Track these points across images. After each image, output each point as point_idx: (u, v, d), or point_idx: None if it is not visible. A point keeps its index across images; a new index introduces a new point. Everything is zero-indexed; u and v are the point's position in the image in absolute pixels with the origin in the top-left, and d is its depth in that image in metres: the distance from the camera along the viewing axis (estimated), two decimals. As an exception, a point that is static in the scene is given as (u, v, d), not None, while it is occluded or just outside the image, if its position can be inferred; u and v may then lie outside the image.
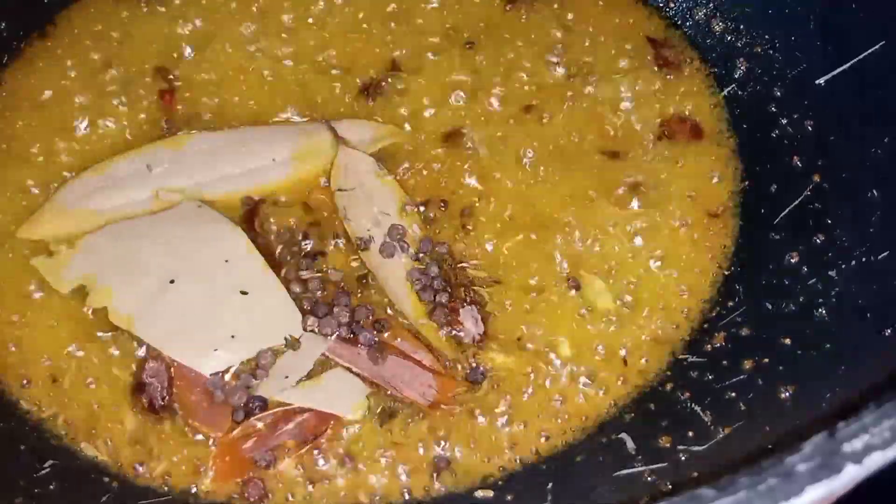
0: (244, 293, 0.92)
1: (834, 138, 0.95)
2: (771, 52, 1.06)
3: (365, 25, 1.12)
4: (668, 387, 0.91)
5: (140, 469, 0.87)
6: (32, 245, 0.96)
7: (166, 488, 0.86)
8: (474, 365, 0.91)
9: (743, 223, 1.01)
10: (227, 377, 0.89)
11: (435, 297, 0.93)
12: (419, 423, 0.89)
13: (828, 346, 0.82)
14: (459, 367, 0.91)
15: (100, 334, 0.92)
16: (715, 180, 1.03)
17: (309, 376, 0.89)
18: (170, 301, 0.91)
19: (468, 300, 0.94)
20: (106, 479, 0.86)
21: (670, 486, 0.70)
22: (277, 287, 0.93)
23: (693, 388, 0.88)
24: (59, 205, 0.98)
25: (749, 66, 1.08)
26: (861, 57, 0.91)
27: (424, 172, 1.02)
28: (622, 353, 0.93)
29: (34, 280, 0.94)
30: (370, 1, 1.14)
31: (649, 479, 0.77)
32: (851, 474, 0.50)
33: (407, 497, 0.86)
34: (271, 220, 0.99)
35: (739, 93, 1.08)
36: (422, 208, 1.00)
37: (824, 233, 0.91)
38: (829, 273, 0.87)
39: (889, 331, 0.75)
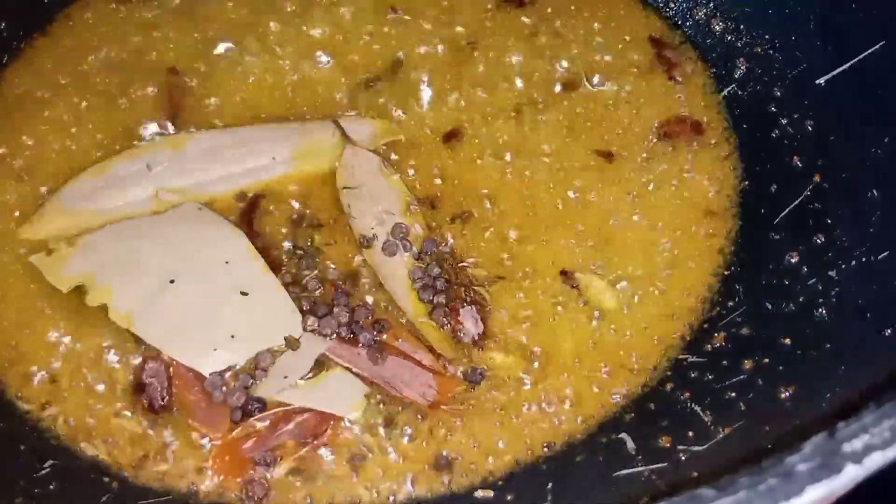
0: (244, 293, 0.92)
1: (834, 138, 0.95)
2: (771, 52, 1.06)
3: (366, 24, 1.12)
4: (668, 387, 0.91)
5: (140, 469, 0.87)
6: (32, 244, 0.96)
7: (166, 488, 0.86)
8: (473, 365, 0.91)
9: (743, 223, 1.01)
10: (227, 377, 0.89)
11: (435, 296, 0.93)
12: (419, 424, 0.89)
13: (828, 346, 0.82)
14: (459, 366, 0.91)
15: (100, 334, 0.92)
16: (715, 180, 1.03)
17: (308, 376, 0.89)
18: (169, 301, 0.91)
19: (468, 300, 0.94)
20: (106, 479, 0.86)
21: (670, 487, 0.70)
22: (277, 287, 0.93)
23: (693, 388, 0.88)
24: (59, 204, 0.98)
25: (749, 66, 1.08)
26: (861, 57, 0.91)
27: (424, 171, 1.03)
28: (622, 353, 0.93)
29: (34, 279, 0.94)
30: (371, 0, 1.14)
31: (649, 479, 0.77)
32: (851, 474, 0.50)
33: (407, 497, 0.86)
34: (271, 220, 0.99)
35: (739, 93, 1.08)
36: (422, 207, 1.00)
37: (824, 233, 0.91)
38: (829, 273, 0.87)
39: (889, 331, 0.75)
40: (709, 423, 0.82)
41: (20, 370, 0.91)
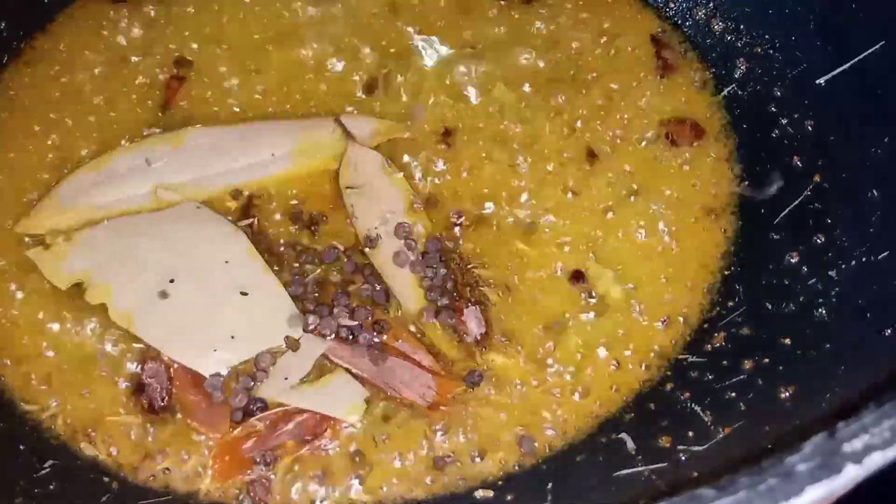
0: (244, 294, 0.92)
1: (834, 138, 0.95)
2: (771, 52, 1.06)
3: (367, 22, 1.12)
4: (668, 387, 0.91)
5: (140, 469, 0.87)
6: (30, 240, 0.96)
7: (166, 488, 0.86)
8: (472, 367, 0.91)
9: (743, 223, 1.01)
10: (227, 377, 0.89)
11: (440, 296, 0.93)
12: (419, 424, 0.89)
13: (828, 346, 0.82)
14: (459, 367, 0.91)
15: (100, 334, 0.92)
16: (715, 180, 1.03)
17: (308, 377, 0.89)
18: (169, 301, 0.91)
19: (472, 300, 0.94)
20: (106, 479, 0.86)
21: (670, 487, 0.70)
22: (277, 287, 0.93)
23: (693, 388, 0.88)
24: (58, 200, 0.98)
25: (749, 66, 1.08)
26: (861, 57, 0.91)
27: (425, 170, 1.03)
28: (622, 353, 0.93)
29: (34, 278, 0.94)
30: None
31: (649, 479, 0.77)
32: (851, 474, 0.50)
33: (407, 497, 0.86)
34: (271, 219, 0.99)
35: (739, 93, 1.08)
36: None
37: (824, 233, 0.91)
38: (829, 273, 0.87)
39: (889, 331, 0.75)
40: (709, 423, 0.82)
41: (20, 370, 0.91)
